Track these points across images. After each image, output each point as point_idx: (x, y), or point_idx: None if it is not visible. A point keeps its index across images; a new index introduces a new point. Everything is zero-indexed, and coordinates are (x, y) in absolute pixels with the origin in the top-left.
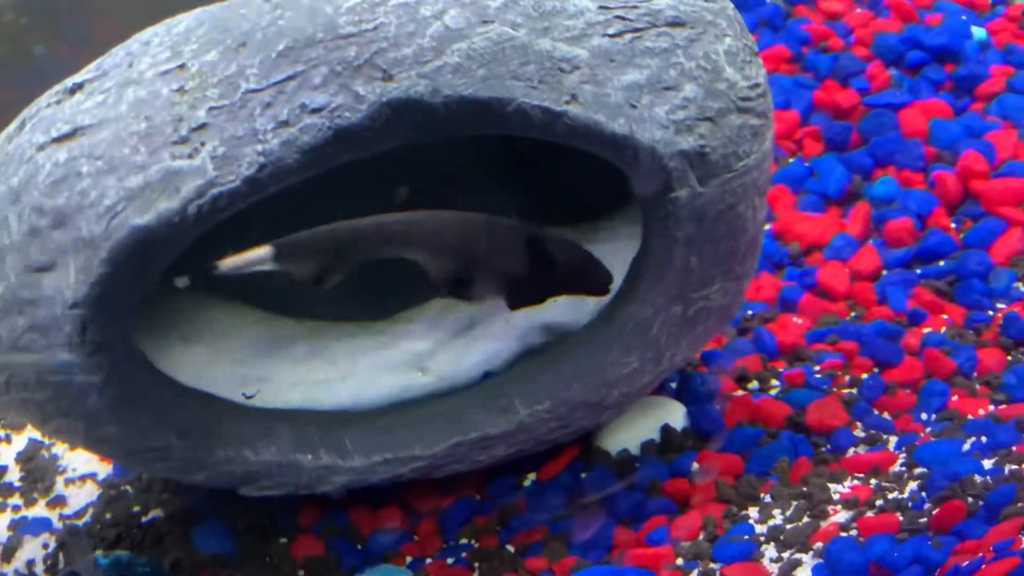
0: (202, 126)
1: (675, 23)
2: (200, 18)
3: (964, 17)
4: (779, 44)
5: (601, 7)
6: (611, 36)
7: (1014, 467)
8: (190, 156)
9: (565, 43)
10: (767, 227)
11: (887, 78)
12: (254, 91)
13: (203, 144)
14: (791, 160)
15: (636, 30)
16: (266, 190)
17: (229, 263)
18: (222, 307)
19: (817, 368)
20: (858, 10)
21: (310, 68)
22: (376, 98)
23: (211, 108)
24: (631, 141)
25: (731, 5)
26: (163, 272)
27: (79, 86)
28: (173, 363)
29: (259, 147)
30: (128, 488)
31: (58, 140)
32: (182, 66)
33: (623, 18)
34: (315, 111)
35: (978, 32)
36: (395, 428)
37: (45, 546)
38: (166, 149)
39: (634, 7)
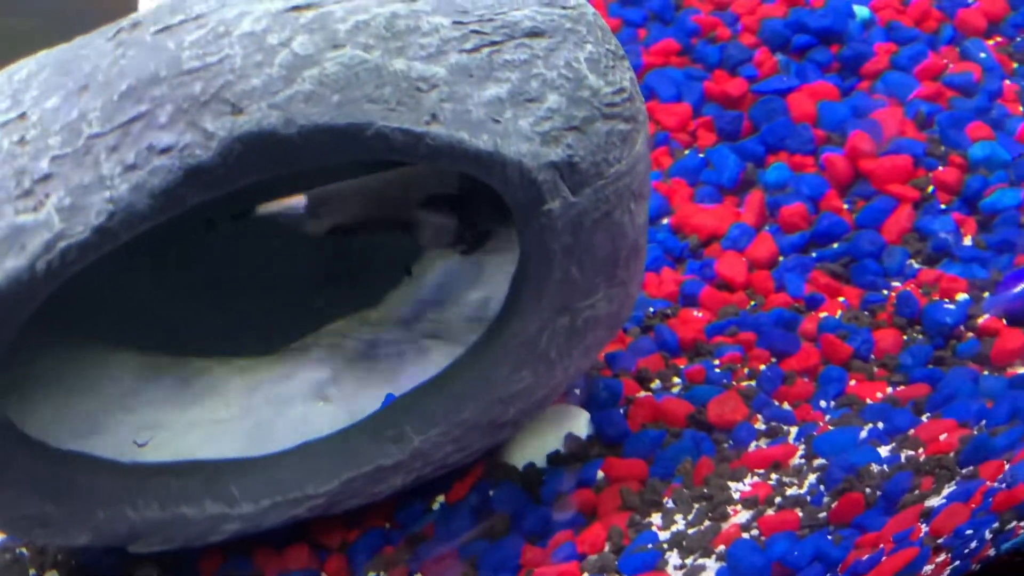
0: (46, 177)
1: (533, 33)
2: (42, 62)
3: None
4: (668, 37)
5: (456, 23)
6: (468, 51)
7: (910, 453)
8: (35, 210)
9: (421, 62)
10: (665, 221)
11: (774, 64)
12: (98, 135)
13: (48, 196)
14: (686, 152)
15: (493, 43)
16: (118, 239)
17: (266, 208)
18: (104, 355)
19: (717, 362)
20: None
21: (155, 107)
22: (226, 134)
23: (54, 157)
24: (497, 157)
25: (591, 10)
26: (20, 329)
27: None
28: (46, 424)
29: (107, 194)
30: (23, 551)
31: None
32: (23, 115)
33: (479, 32)
34: (163, 151)
35: (861, 11)
36: (284, 469)
37: None
38: (9, 204)
39: (490, 20)
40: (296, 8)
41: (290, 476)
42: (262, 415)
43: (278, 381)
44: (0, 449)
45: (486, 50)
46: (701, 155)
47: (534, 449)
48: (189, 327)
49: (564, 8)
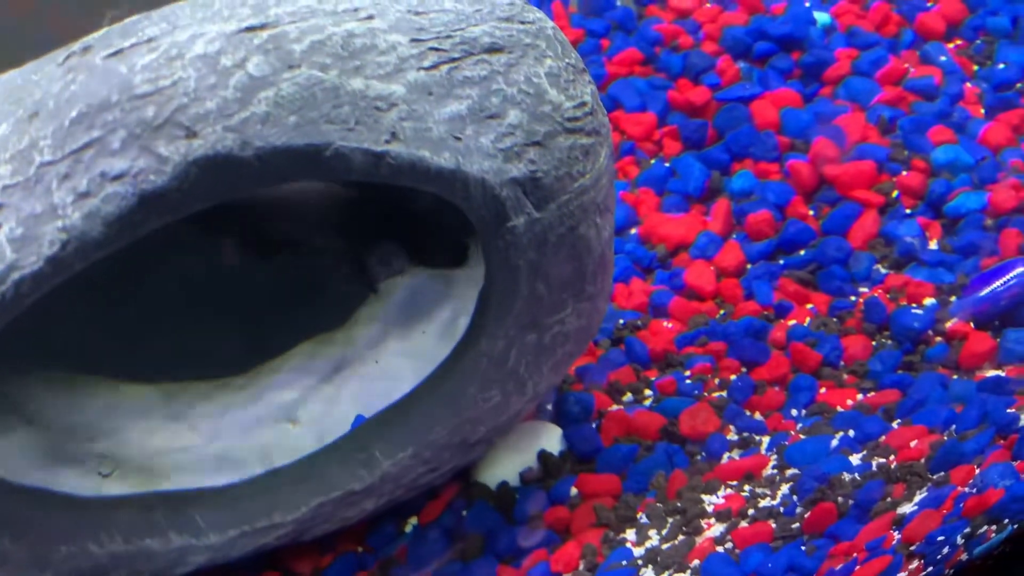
0: None
1: (492, 49)
2: None
3: (807, 3)
4: (631, 47)
5: (413, 40)
6: (427, 69)
7: (881, 460)
8: None
9: (379, 80)
10: (633, 231)
11: (736, 71)
12: (49, 163)
13: None
14: (652, 162)
15: (452, 60)
16: (73, 268)
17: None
18: (64, 384)
19: (688, 373)
20: (707, 5)
21: (107, 133)
22: (181, 158)
23: (5, 187)
24: (459, 174)
25: (550, 24)
26: None
27: None
28: (4, 459)
29: (60, 223)
30: None
31: None
32: None
33: (437, 49)
34: (116, 178)
35: (821, 17)
36: (250, 497)
37: None
38: None
39: (448, 37)
40: (250, 29)
41: (257, 504)
42: (229, 440)
43: (245, 404)
44: None
45: (445, 67)
46: (667, 164)
47: (506, 467)
48: (152, 351)
49: (523, 23)
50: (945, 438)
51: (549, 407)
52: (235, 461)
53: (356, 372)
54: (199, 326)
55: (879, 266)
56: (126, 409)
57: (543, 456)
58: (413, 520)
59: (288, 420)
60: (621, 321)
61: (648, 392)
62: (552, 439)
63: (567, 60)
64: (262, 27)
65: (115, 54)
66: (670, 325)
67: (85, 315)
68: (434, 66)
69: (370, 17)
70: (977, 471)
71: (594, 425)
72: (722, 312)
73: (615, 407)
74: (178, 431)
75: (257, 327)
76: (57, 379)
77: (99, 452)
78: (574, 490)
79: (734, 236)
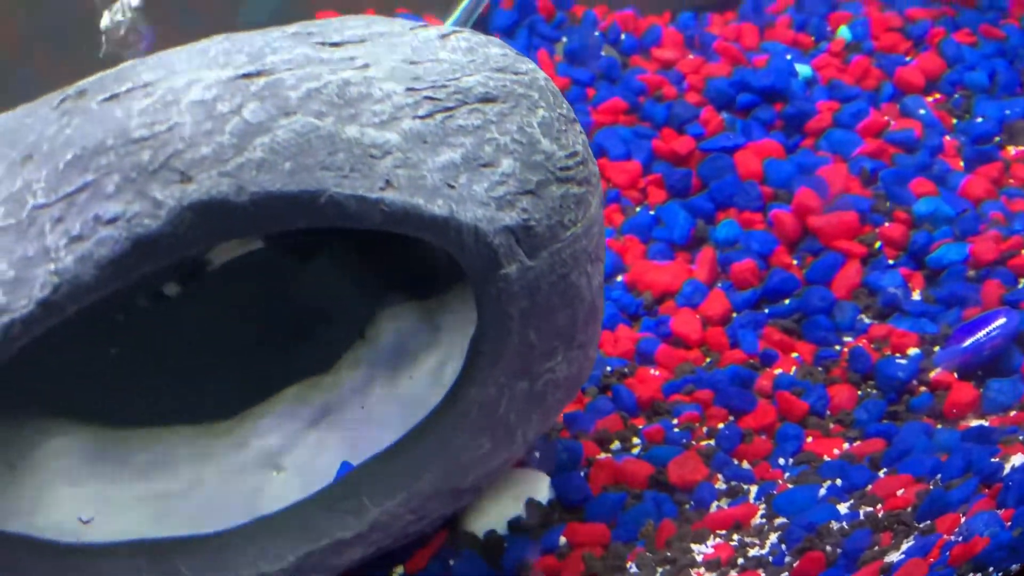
0: None
1: (486, 99)
2: None
3: (789, 56)
4: (616, 96)
5: (408, 89)
6: (421, 117)
7: (868, 509)
8: None
9: (374, 128)
10: (619, 279)
11: (720, 122)
12: (42, 206)
13: None
14: (638, 209)
15: (447, 109)
16: (64, 312)
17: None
18: (45, 428)
19: (675, 421)
20: (690, 56)
21: (101, 176)
22: (176, 202)
23: None
24: (452, 222)
25: (543, 75)
26: None
27: None
28: None
29: (52, 266)
30: None
31: None
32: None
33: (432, 98)
34: (110, 222)
35: (803, 70)
36: (236, 545)
37: None
38: None
39: (443, 86)
40: (247, 76)
41: (243, 554)
42: (213, 487)
43: (229, 451)
44: None
45: (439, 116)
46: (652, 212)
47: (495, 515)
48: (135, 396)
49: (516, 74)
50: (931, 487)
51: (537, 455)
52: (218, 508)
53: (342, 417)
54: (184, 370)
55: (863, 316)
56: (108, 454)
57: (531, 504)
58: (400, 569)
59: (273, 467)
60: (608, 368)
61: (636, 440)
62: (540, 487)
63: (559, 111)
64: (259, 74)
65: (111, 98)
66: (657, 373)
67: (67, 358)
68: (429, 115)
69: (366, 66)
70: (963, 520)
71: (582, 473)
72: (708, 360)
73: (603, 455)
74: (160, 477)
75: (243, 371)
76: (38, 423)
77: (80, 497)
78: (563, 539)
79: (719, 284)
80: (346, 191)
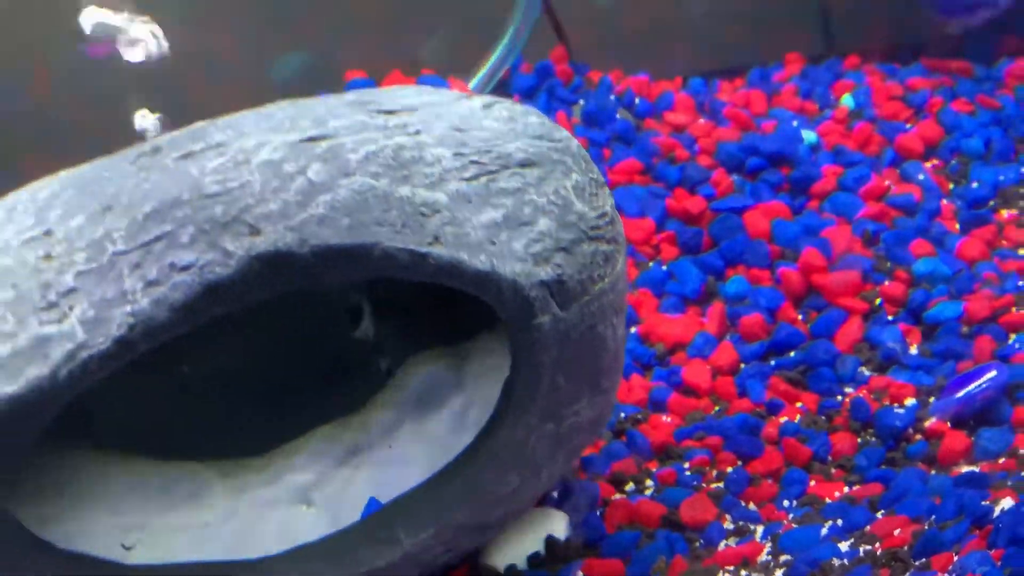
0: (70, 291)
1: (525, 164)
2: (64, 182)
3: (795, 123)
4: (631, 157)
5: (456, 154)
6: (467, 180)
7: (868, 547)
8: (59, 321)
9: (424, 189)
10: (633, 330)
11: (730, 183)
12: (122, 253)
13: (72, 308)
14: (651, 264)
15: (490, 172)
16: (137, 350)
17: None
18: (90, 457)
19: (687, 465)
20: (700, 120)
21: (177, 227)
22: (244, 252)
23: (79, 272)
24: (493, 276)
25: (575, 143)
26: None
27: None
28: (45, 523)
29: (129, 307)
30: None
31: None
32: (48, 232)
33: (477, 162)
34: (184, 268)
35: (808, 136)
36: (280, 571)
37: None
38: (34, 316)
39: (487, 152)
40: (311, 139)
41: None
42: (245, 518)
43: (263, 484)
44: (9, 549)
45: (484, 179)
46: (665, 267)
47: (514, 551)
48: (173, 430)
49: (552, 141)
50: (926, 527)
51: (555, 494)
52: (252, 539)
53: (371, 456)
54: (223, 405)
55: (863, 368)
56: (148, 484)
57: (550, 541)
58: None
59: (303, 502)
60: (623, 414)
61: (649, 482)
62: (558, 525)
63: (590, 175)
64: (322, 138)
65: (186, 156)
66: (669, 419)
67: (122, 392)
68: (474, 177)
69: (418, 132)
70: (956, 558)
71: (598, 513)
72: (717, 408)
73: (618, 496)
74: (196, 508)
75: (278, 410)
76: (83, 453)
77: (121, 525)
78: (580, 574)
79: (728, 337)
80: (398, 244)
